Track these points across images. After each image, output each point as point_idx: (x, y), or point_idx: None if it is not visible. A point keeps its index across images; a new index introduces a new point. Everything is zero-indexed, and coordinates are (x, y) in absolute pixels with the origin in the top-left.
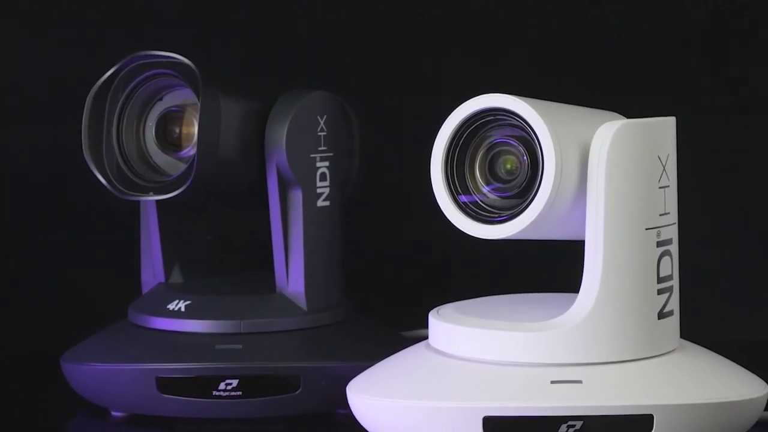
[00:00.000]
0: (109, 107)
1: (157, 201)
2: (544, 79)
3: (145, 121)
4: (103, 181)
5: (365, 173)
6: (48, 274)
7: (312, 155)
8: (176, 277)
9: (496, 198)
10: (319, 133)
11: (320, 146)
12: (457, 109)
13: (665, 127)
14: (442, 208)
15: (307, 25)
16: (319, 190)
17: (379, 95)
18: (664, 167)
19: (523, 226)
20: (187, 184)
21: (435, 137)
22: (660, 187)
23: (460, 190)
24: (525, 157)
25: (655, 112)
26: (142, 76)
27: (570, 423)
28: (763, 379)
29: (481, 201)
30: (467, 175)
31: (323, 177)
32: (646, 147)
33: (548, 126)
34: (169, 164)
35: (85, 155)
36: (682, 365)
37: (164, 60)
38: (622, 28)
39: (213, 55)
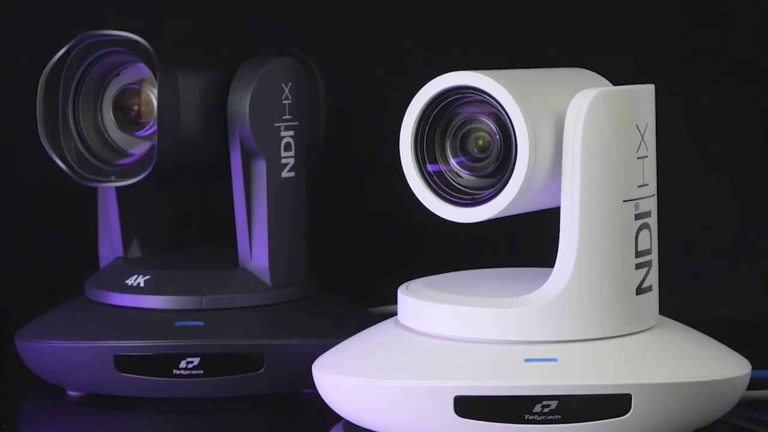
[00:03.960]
0: (64, 87)
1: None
2: (518, 45)
3: (102, 99)
4: (63, 166)
5: (332, 145)
6: (1, 248)
7: (276, 124)
8: (135, 252)
9: (470, 178)
10: (284, 102)
11: (285, 115)
12: (424, 87)
13: (643, 95)
14: (416, 195)
15: None
16: (283, 161)
17: (347, 62)
18: (642, 137)
19: (500, 209)
20: (149, 170)
21: (405, 106)
22: (638, 158)
23: (433, 174)
24: (497, 135)
25: (632, 79)
26: (96, 54)
27: (544, 403)
28: (745, 357)
29: (455, 182)
30: (438, 155)
31: (288, 147)
32: (623, 116)
33: (519, 104)
34: (128, 142)
35: (41, 139)
36: (661, 343)
37: (116, 38)
38: None
39: (176, 15)
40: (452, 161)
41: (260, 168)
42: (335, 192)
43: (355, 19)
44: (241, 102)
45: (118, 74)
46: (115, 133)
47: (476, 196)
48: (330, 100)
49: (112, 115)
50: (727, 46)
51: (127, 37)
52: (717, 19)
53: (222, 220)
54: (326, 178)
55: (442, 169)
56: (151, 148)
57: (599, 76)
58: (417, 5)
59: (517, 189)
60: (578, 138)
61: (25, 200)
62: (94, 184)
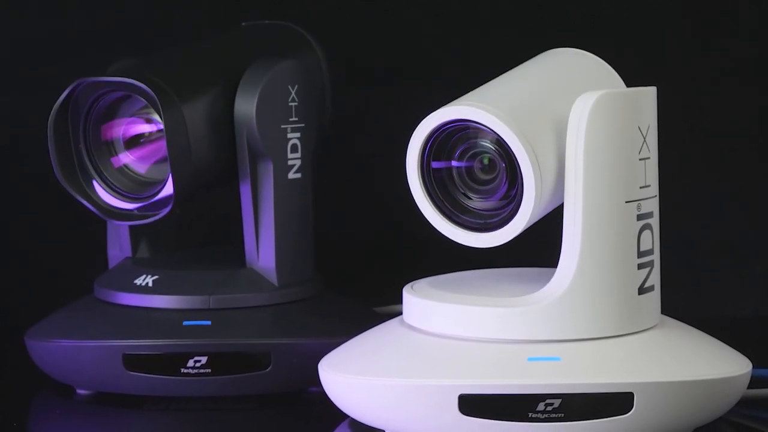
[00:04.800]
0: (72, 129)
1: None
2: (519, 45)
3: (112, 126)
4: (90, 206)
5: (332, 145)
6: (10, 247)
7: (283, 126)
8: (143, 252)
9: (479, 200)
10: (290, 104)
11: (291, 117)
12: (423, 121)
13: (645, 97)
14: (429, 220)
15: None
16: (290, 162)
17: (347, 62)
18: (644, 138)
19: (511, 236)
20: (170, 205)
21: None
22: (640, 159)
23: (445, 202)
24: (503, 164)
25: (632, 79)
26: (96, 94)
27: (548, 401)
28: (746, 355)
29: (465, 204)
30: (447, 183)
31: (294, 149)
32: (625, 118)
33: (523, 143)
34: (148, 170)
35: (62, 184)
36: (663, 342)
37: (113, 82)
38: None
39: (176, 14)
40: (459, 186)
41: (267, 169)
42: (338, 192)
43: (355, 19)
44: (249, 105)
45: (122, 103)
46: (126, 158)
47: (488, 219)
48: (330, 100)
49: (123, 146)
50: (727, 46)
51: (123, 81)
52: (717, 19)
53: (229, 221)
54: (328, 179)
55: (452, 193)
56: (169, 183)
57: (600, 60)
58: (417, 5)
59: (526, 219)
60: (581, 141)
61: (34, 199)
62: (119, 222)
